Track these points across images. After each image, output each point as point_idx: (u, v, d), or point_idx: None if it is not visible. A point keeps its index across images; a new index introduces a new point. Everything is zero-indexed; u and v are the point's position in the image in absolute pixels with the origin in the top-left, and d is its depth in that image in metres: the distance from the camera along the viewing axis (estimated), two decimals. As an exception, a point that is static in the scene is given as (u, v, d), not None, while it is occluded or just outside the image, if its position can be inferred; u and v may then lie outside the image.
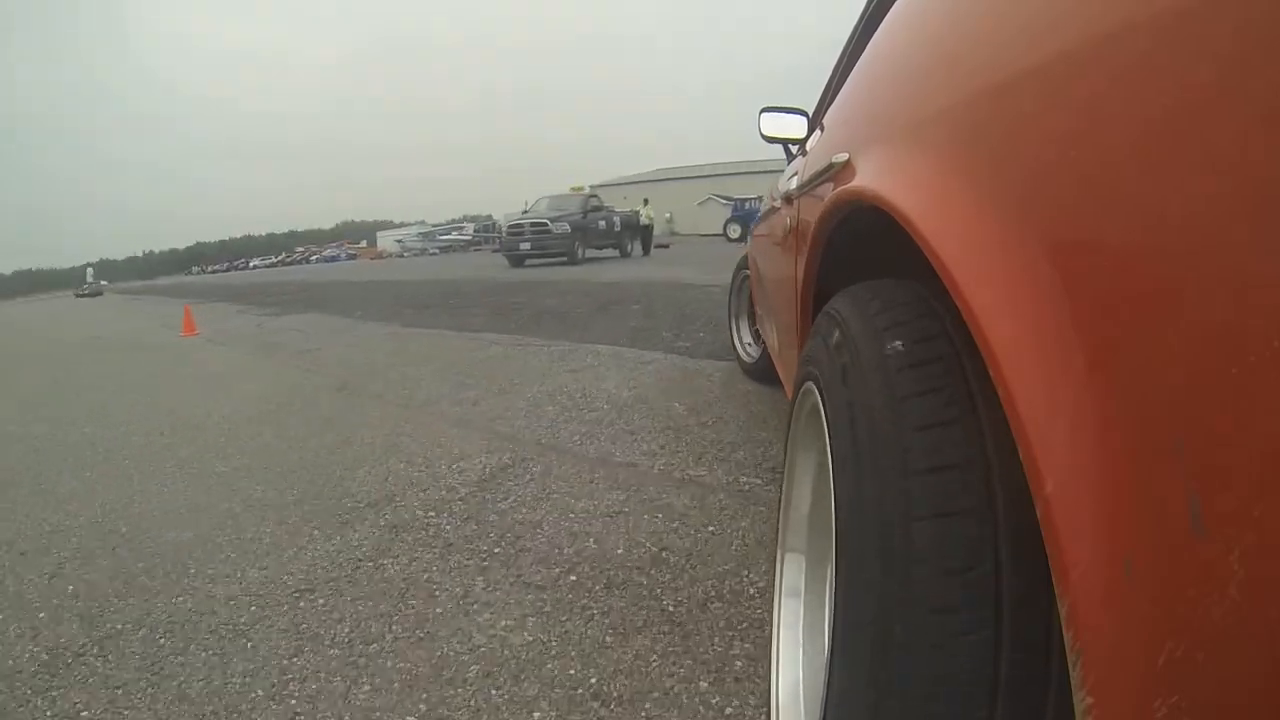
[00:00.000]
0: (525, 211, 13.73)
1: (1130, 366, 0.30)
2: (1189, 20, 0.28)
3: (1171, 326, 0.28)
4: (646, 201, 16.85)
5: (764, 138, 1.89)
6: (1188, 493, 0.26)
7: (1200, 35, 0.27)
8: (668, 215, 30.60)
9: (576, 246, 12.37)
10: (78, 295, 28.60)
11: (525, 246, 12.32)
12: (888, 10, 0.84)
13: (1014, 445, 0.36)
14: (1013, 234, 0.39)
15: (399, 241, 47.96)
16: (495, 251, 13.42)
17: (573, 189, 15.97)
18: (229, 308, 9.82)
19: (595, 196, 14.97)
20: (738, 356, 3.01)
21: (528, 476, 1.94)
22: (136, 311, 11.97)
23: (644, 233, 15.30)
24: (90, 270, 37.97)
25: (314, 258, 55.15)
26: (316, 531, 1.68)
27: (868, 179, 0.67)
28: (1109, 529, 0.30)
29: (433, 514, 1.73)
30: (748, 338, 2.96)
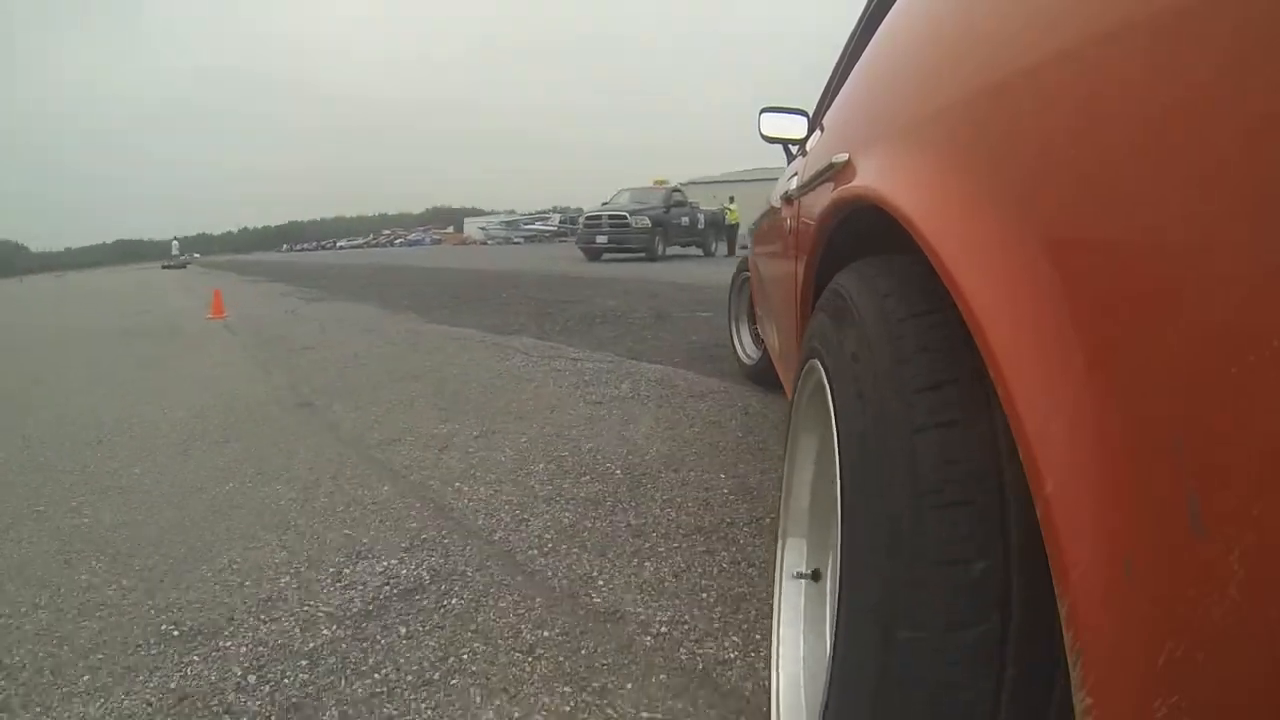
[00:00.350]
0: (605, 204, 13.05)
1: (1130, 366, 0.30)
2: (1188, 20, 0.28)
3: (1171, 326, 0.28)
4: (733, 199, 15.97)
5: (764, 138, 1.89)
6: (1187, 492, 0.26)
7: (1200, 35, 0.27)
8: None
9: (656, 242, 11.64)
10: (164, 267, 29.73)
11: (602, 240, 11.70)
12: (888, 10, 0.84)
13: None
14: (1012, 233, 0.39)
15: (483, 229, 48.23)
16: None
17: (656, 182, 14.59)
18: (281, 289, 9.64)
19: (679, 191, 14.19)
20: (737, 359, 3.02)
21: (437, 618, 1.17)
22: (197, 286, 11.91)
23: (729, 231, 14.71)
24: (176, 243, 39.42)
25: (398, 241, 55.50)
26: (67, 689, 1.03)
27: (868, 179, 0.67)
28: (1109, 529, 0.30)
29: (252, 678, 1.03)
30: (748, 340, 2.97)
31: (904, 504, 0.44)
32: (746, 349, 2.95)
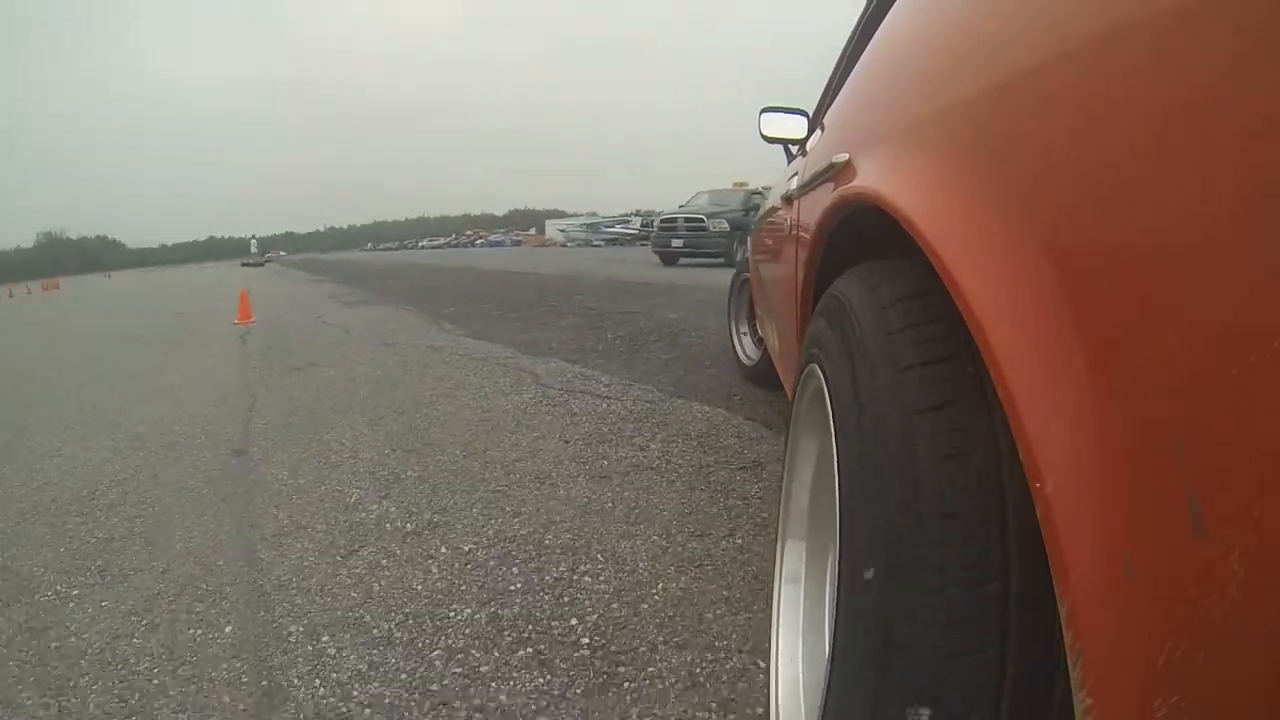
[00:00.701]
0: (682, 206, 12.06)
1: (1130, 366, 0.30)
2: (1188, 20, 0.28)
3: (1172, 326, 0.28)
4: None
5: (764, 138, 1.89)
6: (1188, 493, 0.26)
7: (1199, 35, 0.27)
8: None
9: (735, 247, 10.40)
10: (243, 264, 31.85)
11: (678, 244, 10.87)
12: (888, 10, 0.84)
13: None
14: (1013, 234, 0.39)
15: (563, 231, 48.23)
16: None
17: (736, 184, 13.33)
18: (333, 290, 9.46)
19: (759, 193, 12.62)
20: (737, 360, 3.03)
21: None
22: (255, 286, 11.82)
23: (813, 235, 13.85)
24: (254, 242, 41.38)
25: (479, 242, 55.37)
26: None
27: (868, 179, 0.67)
28: (1109, 529, 0.30)
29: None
30: (748, 341, 2.98)
31: (902, 506, 0.44)
32: (746, 350, 2.96)
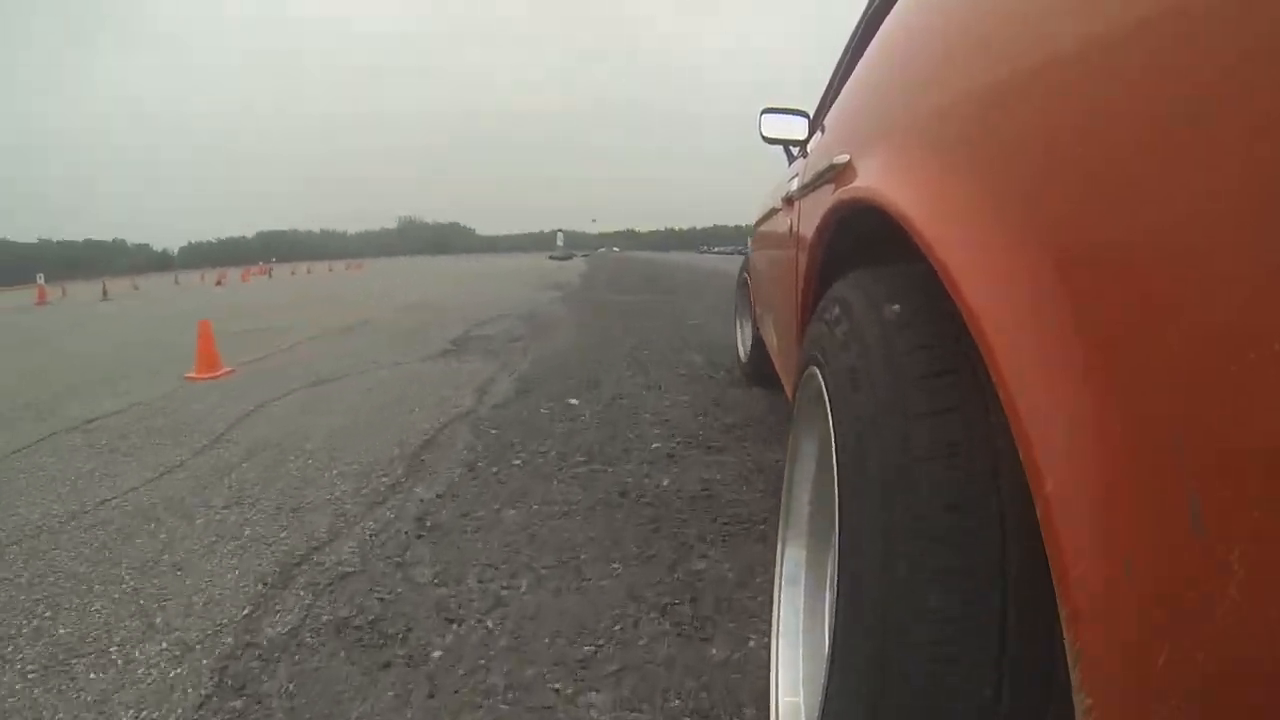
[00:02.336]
0: None
1: (1130, 367, 0.30)
2: (1188, 21, 0.28)
3: (1172, 326, 0.28)
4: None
5: (765, 139, 1.89)
6: (1187, 493, 0.26)
7: (1200, 36, 0.27)
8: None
9: None
10: (550, 258, 33.15)
11: None
12: (889, 11, 0.84)
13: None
14: (1013, 235, 0.40)
15: None
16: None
17: None
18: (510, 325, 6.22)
19: None
20: (737, 356, 3.07)
21: None
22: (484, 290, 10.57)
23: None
24: (560, 235, 42.56)
25: None
26: None
27: (868, 180, 0.67)
28: (1109, 529, 0.30)
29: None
30: (749, 339, 3.02)
31: (902, 508, 0.44)
32: (746, 346, 3.00)
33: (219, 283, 19.11)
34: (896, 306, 0.52)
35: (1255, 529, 0.23)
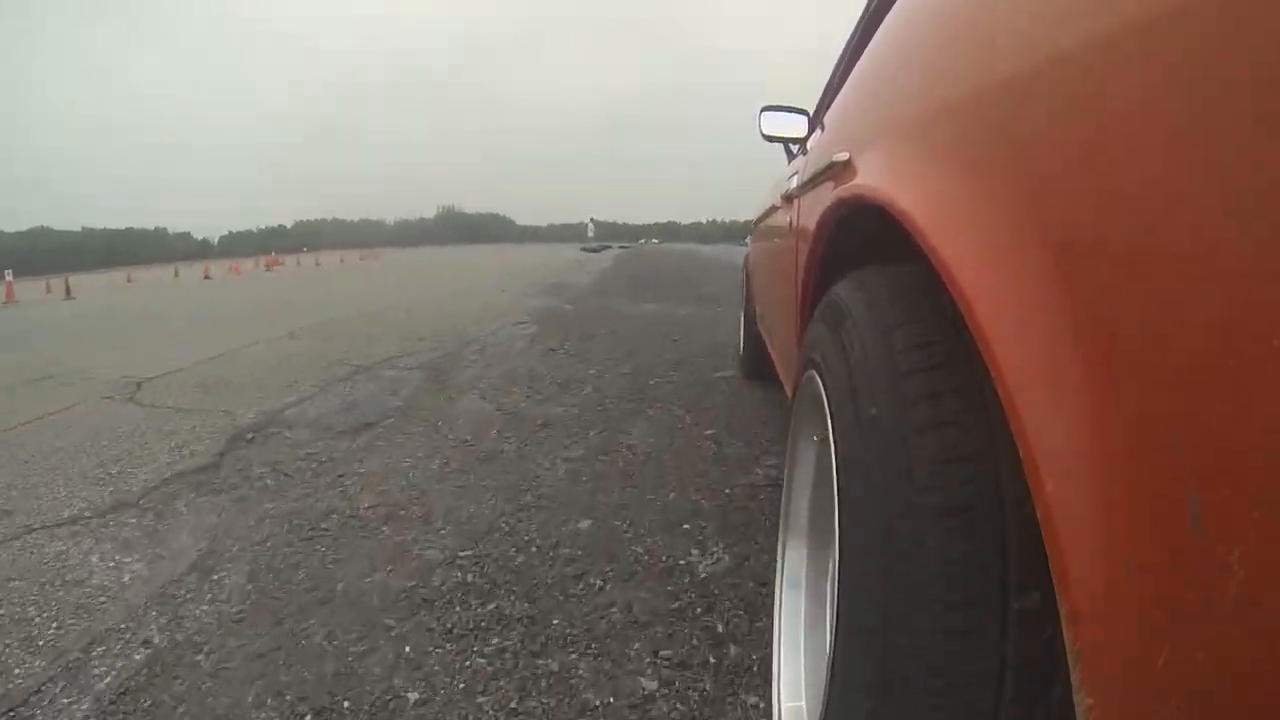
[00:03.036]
0: None
1: (1130, 366, 0.30)
2: (1189, 20, 0.28)
3: (1172, 326, 0.28)
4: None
5: (764, 137, 1.89)
6: (1187, 493, 0.26)
7: (1200, 35, 0.27)
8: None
9: None
10: (582, 249, 31.58)
11: None
12: (889, 9, 0.84)
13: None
14: (1013, 233, 0.39)
15: None
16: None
17: None
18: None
19: None
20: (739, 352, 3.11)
21: None
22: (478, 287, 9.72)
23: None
24: (591, 226, 40.68)
25: None
26: None
27: (868, 178, 0.67)
28: (1109, 529, 0.30)
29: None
30: (744, 333, 3.07)
31: (902, 509, 0.44)
32: (742, 339, 3.06)
33: (206, 276, 18.55)
34: (874, 410, 0.50)
35: (1255, 529, 0.23)
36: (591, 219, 40.56)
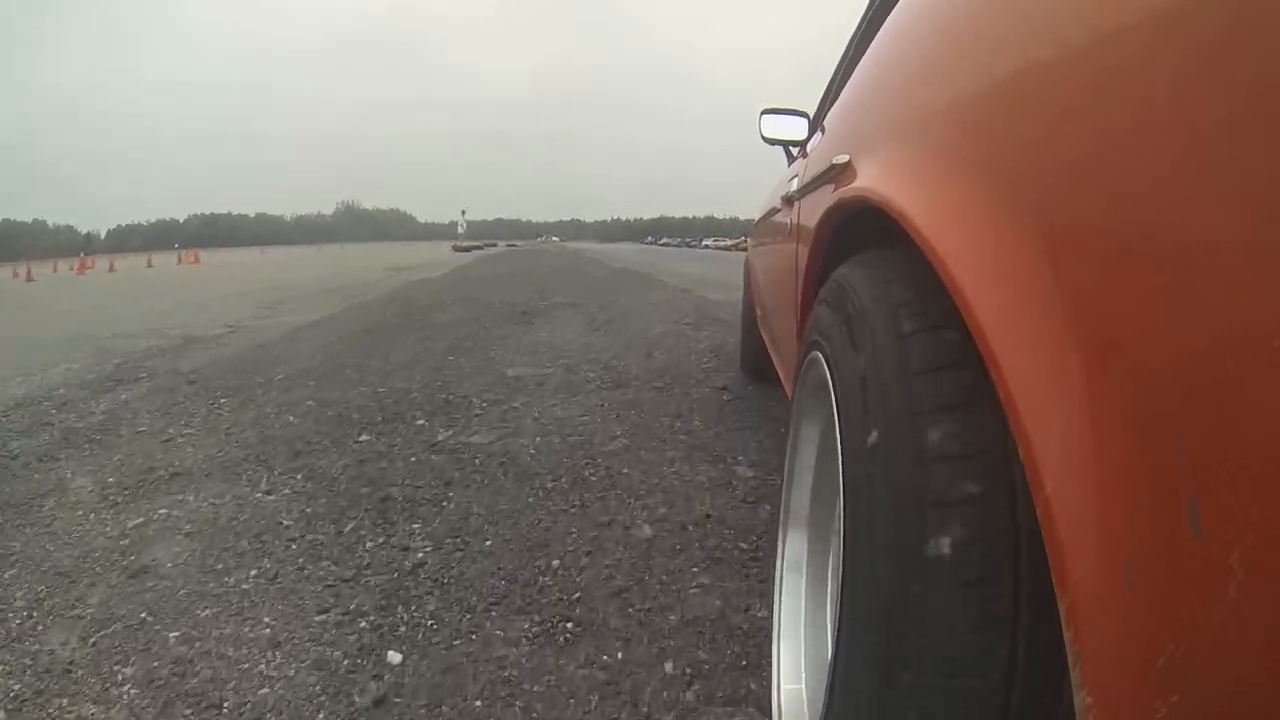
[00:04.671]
0: None
1: (1130, 367, 0.30)
2: (1190, 20, 0.28)
3: (1172, 326, 0.28)
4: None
5: (764, 139, 1.89)
6: (1187, 493, 0.26)
7: (1201, 35, 0.27)
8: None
9: None
10: (454, 249, 28.30)
11: None
12: (889, 11, 0.85)
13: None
14: (1013, 234, 0.40)
15: None
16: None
17: None
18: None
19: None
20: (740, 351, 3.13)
21: None
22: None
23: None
24: (463, 222, 33.57)
25: None
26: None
27: (868, 180, 0.67)
28: (1109, 529, 0.30)
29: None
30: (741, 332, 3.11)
31: (906, 499, 0.44)
32: (739, 338, 3.10)
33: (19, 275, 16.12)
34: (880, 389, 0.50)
35: (1254, 530, 0.23)
36: (464, 213, 35.35)
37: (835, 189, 0.81)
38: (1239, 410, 0.24)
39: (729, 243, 57.12)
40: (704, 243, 66.68)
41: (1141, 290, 0.30)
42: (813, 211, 1.03)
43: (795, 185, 1.37)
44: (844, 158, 0.80)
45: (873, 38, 0.90)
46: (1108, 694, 0.30)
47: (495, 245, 30.03)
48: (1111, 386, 0.31)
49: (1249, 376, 0.24)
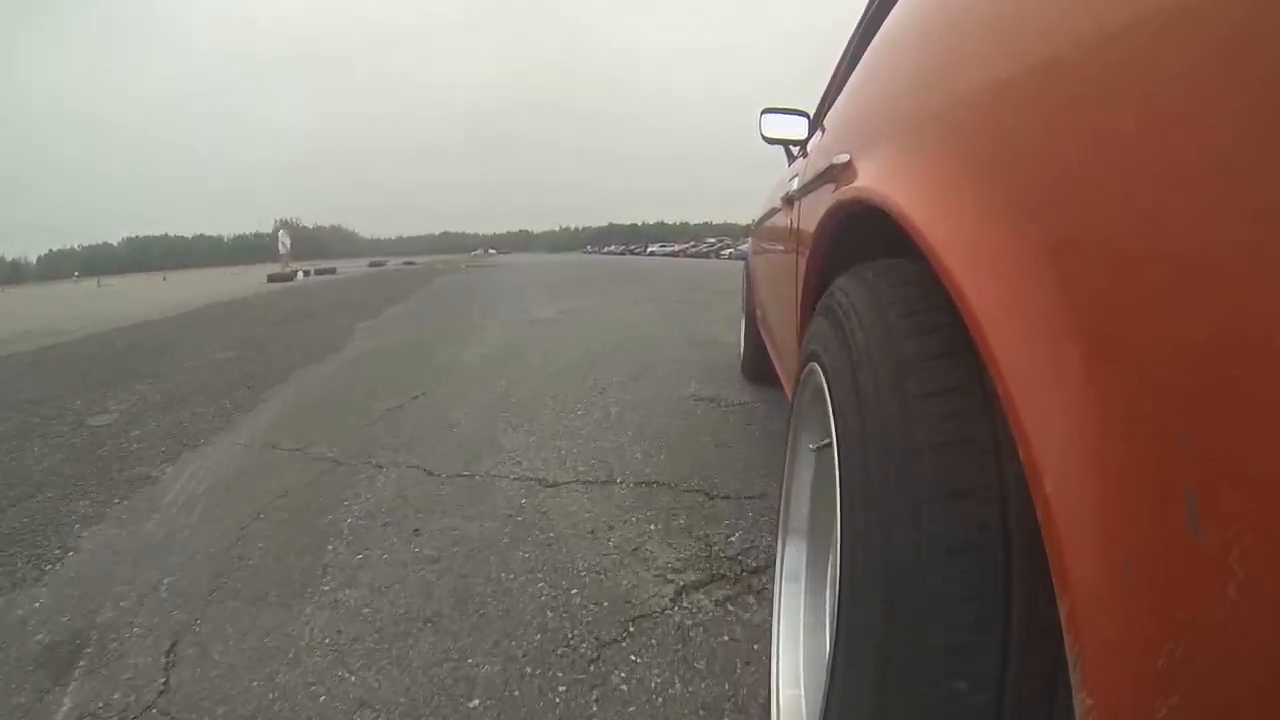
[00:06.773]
0: None
1: (1130, 367, 0.30)
2: (1190, 20, 0.28)
3: (1171, 326, 0.28)
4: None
5: (765, 139, 1.89)
6: (1187, 493, 0.26)
7: (1201, 35, 0.27)
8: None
9: None
10: (269, 279, 18.93)
11: None
12: (889, 11, 0.84)
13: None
14: (1013, 234, 0.40)
15: None
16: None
17: None
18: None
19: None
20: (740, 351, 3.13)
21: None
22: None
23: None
24: (283, 238, 21.96)
25: (727, 251, 39.77)
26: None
27: (868, 180, 0.67)
28: (1109, 529, 0.30)
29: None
30: (745, 340, 3.08)
31: (903, 505, 0.44)
32: (743, 347, 3.08)
33: None
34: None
35: (1253, 530, 0.23)
36: (283, 226, 26.01)
37: (835, 189, 0.81)
38: (1238, 409, 0.24)
39: (677, 248, 56.36)
40: (649, 249, 64.56)
41: (1140, 289, 0.30)
42: (813, 211, 1.03)
43: (795, 185, 1.37)
44: (844, 157, 0.80)
45: (873, 37, 0.90)
46: (1108, 694, 0.29)
47: (383, 264, 24.99)
48: (1111, 386, 0.31)
49: (1248, 376, 0.24)
